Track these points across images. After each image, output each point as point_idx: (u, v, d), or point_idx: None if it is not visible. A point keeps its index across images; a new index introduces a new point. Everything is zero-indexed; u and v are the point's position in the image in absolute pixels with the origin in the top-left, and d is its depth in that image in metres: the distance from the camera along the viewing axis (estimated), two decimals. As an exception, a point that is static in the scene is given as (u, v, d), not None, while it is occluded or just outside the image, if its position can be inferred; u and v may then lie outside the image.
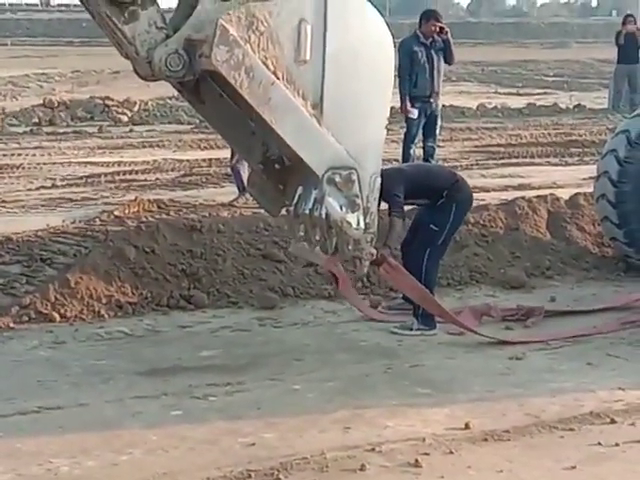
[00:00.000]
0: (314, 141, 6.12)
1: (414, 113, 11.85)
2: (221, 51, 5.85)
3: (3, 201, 11.61)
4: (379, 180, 6.36)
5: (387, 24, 6.48)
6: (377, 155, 6.46)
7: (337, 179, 6.12)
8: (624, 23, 20.79)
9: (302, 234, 6.38)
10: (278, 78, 6.03)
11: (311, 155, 6.11)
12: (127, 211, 10.36)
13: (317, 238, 6.27)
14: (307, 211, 6.20)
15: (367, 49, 6.34)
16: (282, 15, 6.09)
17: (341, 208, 6.11)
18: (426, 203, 7.80)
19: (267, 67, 6.00)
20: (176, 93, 7.15)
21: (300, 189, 6.26)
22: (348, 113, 6.22)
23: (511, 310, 8.06)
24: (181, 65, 5.99)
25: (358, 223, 6.15)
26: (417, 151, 12.03)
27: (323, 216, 6.10)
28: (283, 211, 7.00)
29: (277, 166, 6.43)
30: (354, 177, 6.16)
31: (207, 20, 5.94)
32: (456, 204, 7.74)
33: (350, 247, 6.20)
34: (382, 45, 6.46)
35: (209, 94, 6.44)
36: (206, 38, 5.89)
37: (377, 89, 6.42)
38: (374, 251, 6.43)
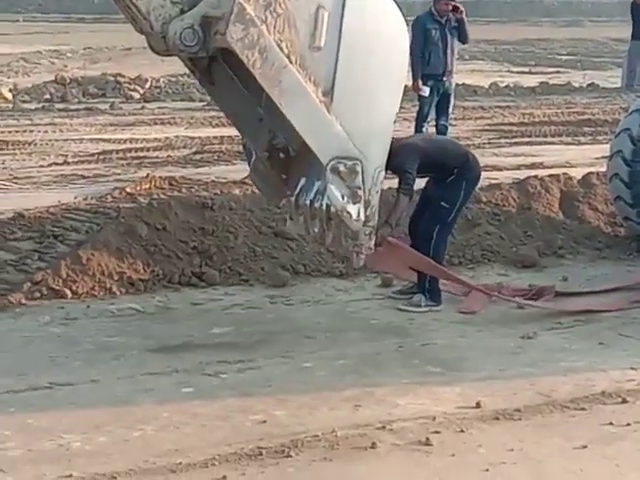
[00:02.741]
0: (321, 128, 6.10)
1: (425, 91, 11.84)
2: (237, 29, 5.84)
3: (15, 177, 11.64)
4: (383, 174, 6.37)
5: (398, 4, 6.46)
6: (383, 148, 6.43)
7: (341, 168, 6.10)
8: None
9: (301, 224, 6.37)
10: (291, 62, 6.02)
11: (317, 142, 6.09)
12: (139, 188, 10.37)
13: (316, 230, 6.28)
14: (308, 202, 6.22)
15: (383, 41, 6.33)
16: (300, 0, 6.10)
17: (343, 198, 6.09)
18: (433, 177, 7.79)
19: (281, 50, 5.99)
20: (188, 71, 7.11)
21: (303, 180, 6.27)
22: (358, 104, 6.21)
23: (522, 290, 8.06)
24: (195, 41, 6.00)
25: (358, 215, 6.13)
26: (429, 129, 11.99)
27: (323, 207, 6.11)
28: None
29: (282, 155, 6.42)
30: (358, 168, 6.15)
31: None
32: (466, 181, 7.78)
33: (348, 239, 6.20)
34: (398, 39, 6.46)
35: (220, 76, 6.44)
36: (223, 15, 5.88)
37: (389, 82, 6.41)
38: (372, 245, 6.40)
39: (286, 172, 6.48)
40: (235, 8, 5.83)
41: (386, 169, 6.98)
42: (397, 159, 7.40)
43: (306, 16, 6.10)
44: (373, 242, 6.44)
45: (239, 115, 6.76)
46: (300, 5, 6.09)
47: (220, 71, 6.42)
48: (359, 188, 6.15)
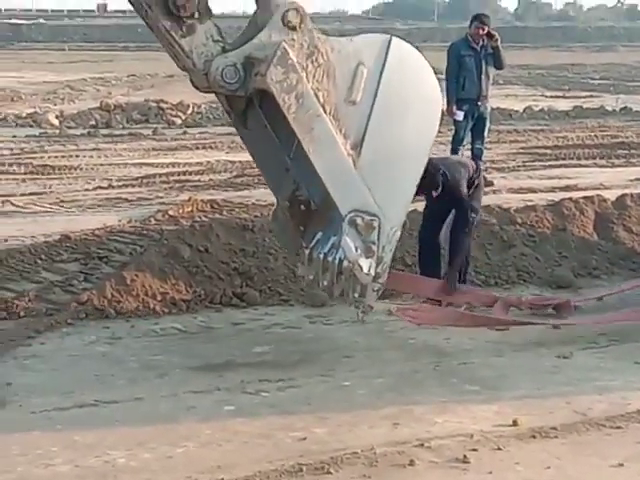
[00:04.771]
0: (345, 180, 6.08)
1: (459, 115, 11.84)
2: (277, 71, 5.88)
3: (62, 201, 11.74)
4: (398, 233, 6.31)
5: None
6: (403, 209, 6.43)
7: (359, 222, 6.06)
8: None
9: (312, 277, 6.37)
10: (325, 111, 6.04)
11: (339, 192, 6.07)
12: (181, 211, 10.44)
13: (325, 282, 6.24)
14: (322, 255, 6.19)
15: (416, 104, 6.34)
16: (343, 53, 6.14)
17: (356, 250, 6.03)
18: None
19: (317, 98, 6.01)
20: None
21: (319, 234, 6.26)
22: (384, 162, 6.20)
23: (540, 301, 8.08)
24: (236, 79, 6.02)
25: (369, 269, 6.07)
26: (465, 152, 11.97)
27: (336, 261, 6.07)
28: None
29: (302, 207, 6.40)
30: (375, 224, 6.10)
31: (270, 42, 5.99)
32: (479, 190, 8.16)
33: (356, 293, 6.16)
34: (431, 103, 6.45)
35: (255, 122, 6.45)
36: (265, 57, 5.92)
37: (418, 145, 6.40)
38: (374, 305, 6.40)
39: (304, 224, 6.45)
40: (279, 52, 5.87)
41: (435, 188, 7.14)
42: (451, 180, 7.54)
43: (346, 70, 6.13)
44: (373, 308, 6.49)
45: (267, 162, 6.76)
46: (342, 59, 6.12)
47: (255, 117, 6.42)
48: (374, 243, 6.10)
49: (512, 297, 8.17)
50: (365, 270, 6.07)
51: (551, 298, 8.16)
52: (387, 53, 6.24)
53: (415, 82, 6.36)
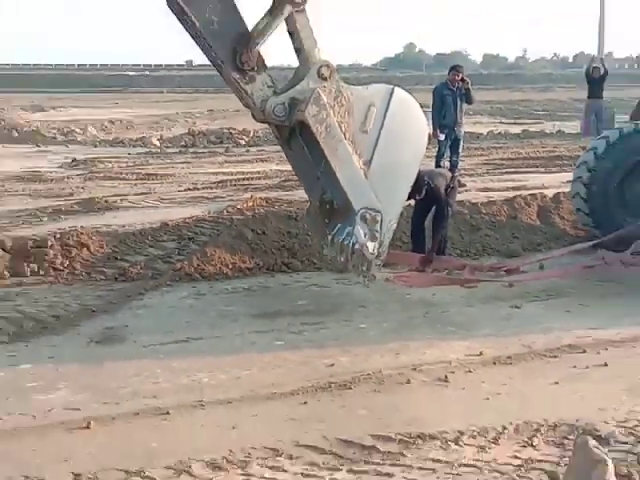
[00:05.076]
0: (359, 186, 6.07)
1: (441, 137, 11.81)
2: (313, 108, 5.88)
3: (162, 199, 11.79)
4: (395, 225, 6.31)
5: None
6: (398, 207, 6.40)
7: (367, 216, 6.07)
8: (590, 71, 20.07)
9: (333, 255, 6.35)
10: (345, 138, 6.02)
11: (354, 195, 6.05)
12: (245, 205, 10.44)
13: (342, 259, 6.19)
14: (340, 240, 6.15)
15: (410, 134, 6.34)
16: (359, 97, 6.14)
17: (365, 236, 6.04)
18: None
19: (340, 128, 6.00)
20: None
21: (339, 225, 6.21)
22: (387, 174, 6.18)
23: (496, 265, 8.02)
24: (284, 113, 6.04)
25: (374, 250, 6.08)
26: (445, 164, 11.92)
27: (350, 245, 6.03)
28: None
29: (327, 206, 6.37)
30: (379, 218, 6.10)
31: (308, 88, 5.99)
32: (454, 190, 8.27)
33: (364, 267, 6.14)
34: (420, 134, 6.45)
35: (296, 145, 6.42)
36: (305, 99, 5.93)
37: (410, 163, 6.39)
38: (377, 274, 6.38)
39: (329, 218, 6.41)
40: (314, 95, 5.89)
41: (420, 193, 7.11)
42: (436, 187, 7.53)
43: (361, 108, 6.12)
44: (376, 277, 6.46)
45: (304, 174, 6.70)
46: (358, 100, 6.12)
47: (296, 141, 6.39)
48: (377, 232, 6.11)
49: (477, 263, 8.14)
50: (370, 250, 6.06)
51: (504, 264, 8.09)
52: (390, 98, 6.24)
53: (409, 119, 6.35)
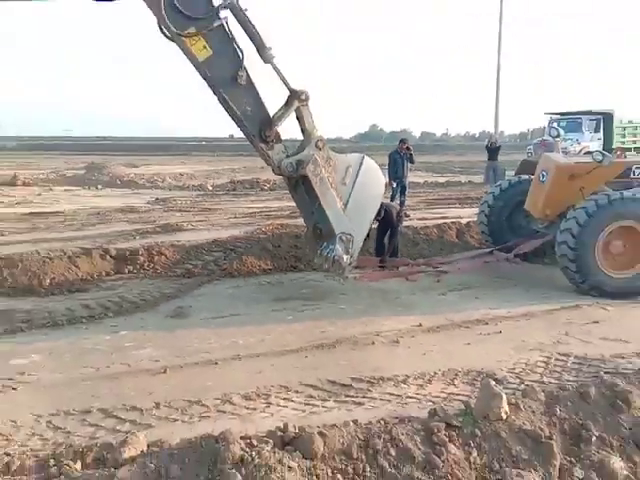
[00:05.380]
0: (339, 218, 6.10)
1: (394, 184, 11.79)
2: (312, 167, 5.93)
3: (213, 224, 11.69)
4: (361, 243, 6.30)
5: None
6: (364, 232, 6.39)
7: (344, 238, 6.10)
8: (490, 144, 20.31)
9: (320, 264, 6.31)
10: (332, 187, 6.05)
11: (336, 223, 6.09)
12: (267, 228, 10.37)
13: (326, 266, 6.21)
14: (325, 253, 6.15)
15: (373, 186, 6.38)
16: (341, 161, 6.21)
17: (341, 250, 6.07)
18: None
19: (329, 180, 6.03)
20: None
21: (325, 243, 6.23)
22: (357, 210, 6.21)
23: (429, 260, 8.04)
24: (293, 169, 6.05)
25: (347, 260, 6.10)
26: (396, 201, 11.89)
27: (331, 256, 6.05)
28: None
29: (318, 231, 6.36)
30: (351, 239, 6.13)
31: (309, 154, 6.02)
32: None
33: (340, 271, 6.16)
34: (379, 185, 6.50)
35: (300, 190, 6.38)
36: (307, 161, 5.96)
37: (372, 205, 6.43)
38: (349, 275, 6.39)
39: (319, 239, 6.39)
40: (313, 159, 5.93)
41: (379, 215, 7.11)
42: (391, 217, 7.54)
43: (342, 168, 6.17)
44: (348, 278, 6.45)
45: (304, 209, 6.66)
46: (340, 163, 6.16)
47: (300, 188, 6.37)
48: (350, 248, 6.12)
49: (416, 262, 8.06)
50: (345, 260, 6.06)
51: (434, 259, 8.11)
52: (362, 162, 6.29)
53: (373, 175, 6.38)
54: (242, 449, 2.93)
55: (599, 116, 22.39)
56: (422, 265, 7.82)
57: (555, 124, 21.61)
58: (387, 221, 7.83)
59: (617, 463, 3.32)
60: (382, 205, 7.32)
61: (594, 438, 3.40)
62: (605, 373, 4.39)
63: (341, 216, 6.11)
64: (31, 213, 12.52)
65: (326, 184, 6.02)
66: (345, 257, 6.09)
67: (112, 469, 2.87)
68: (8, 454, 3.34)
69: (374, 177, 6.41)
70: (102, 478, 2.80)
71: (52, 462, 3.08)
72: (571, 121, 22.58)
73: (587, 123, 22.36)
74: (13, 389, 4.35)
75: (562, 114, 23.61)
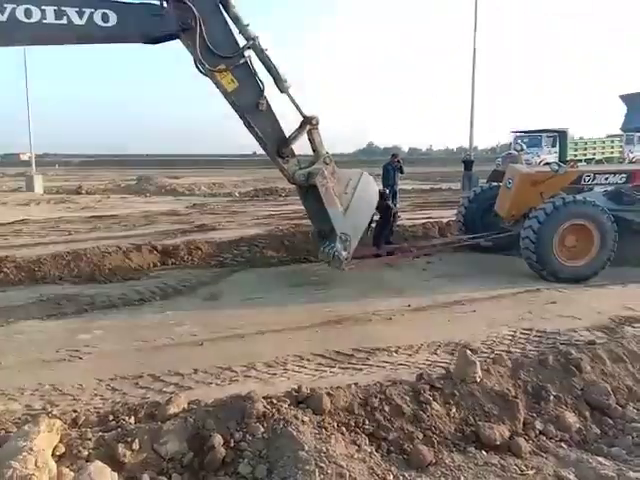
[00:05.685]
0: (340, 221, 5.99)
1: (387, 191, 11.62)
2: (320, 178, 5.85)
3: (239, 224, 11.68)
4: (356, 242, 6.13)
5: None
6: (360, 233, 6.25)
7: (343, 237, 5.98)
8: (465, 159, 20.18)
9: (323, 258, 6.22)
10: (335, 195, 5.96)
11: (337, 225, 5.98)
12: (284, 227, 10.35)
13: (327, 260, 6.09)
14: (327, 249, 6.07)
15: (369, 195, 6.30)
16: (344, 175, 6.12)
17: (340, 248, 5.97)
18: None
19: (333, 190, 5.94)
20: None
21: (327, 242, 6.14)
22: (355, 215, 6.10)
23: (411, 244, 7.98)
24: (304, 179, 6.00)
25: (345, 255, 5.99)
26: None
27: (332, 252, 5.96)
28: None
29: (323, 233, 6.28)
30: (349, 238, 6.03)
31: (318, 167, 5.95)
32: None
33: (339, 264, 6.04)
34: (374, 195, 6.42)
35: (309, 197, 6.28)
36: (316, 172, 5.89)
37: (368, 211, 6.33)
38: (347, 269, 6.22)
39: (323, 238, 6.31)
40: (320, 171, 5.85)
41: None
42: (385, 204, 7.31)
43: (344, 180, 6.09)
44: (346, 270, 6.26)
45: (312, 213, 6.52)
46: (343, 176, 6.09)
47: (310, 195, 6.28)
48: (348, 246, 6.02)
49: (403, 245, 7.93)
50: (344, 255, 5.98)
51: (415, 243, 8.07)
52: (361, 177, 6.23)
53: (369, 189, 6.32)
54: (264, 406, 2.95)
55: (555, 133, 22.41)
56: (408, 246, 7.70)
57: (519, 140, 21.48)
58: (381, 210, 7.65)
59: (571, 417, 3.32)
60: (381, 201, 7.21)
61: (552, 397, 3.40)
62: (561, 344, 4.38)
63: (342, 219, 6.07)
64: (93, 216, 12.65)
65: (331, 193, 5.98)
66: (343, 253, 6.05)
67: (159, 423, 2.90)
68: (75, 411, 3.39)
69: (370, 189, 6.36)
70: (151, 430, 2.82)
71: (111, 417, 3.12)
72: (532, 137, 22.62)
73: (545, 139, 22.36)
74: (79, 358, 4.40)
75: (525, 132, 23.55)
